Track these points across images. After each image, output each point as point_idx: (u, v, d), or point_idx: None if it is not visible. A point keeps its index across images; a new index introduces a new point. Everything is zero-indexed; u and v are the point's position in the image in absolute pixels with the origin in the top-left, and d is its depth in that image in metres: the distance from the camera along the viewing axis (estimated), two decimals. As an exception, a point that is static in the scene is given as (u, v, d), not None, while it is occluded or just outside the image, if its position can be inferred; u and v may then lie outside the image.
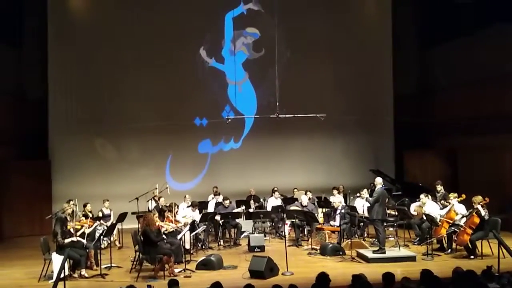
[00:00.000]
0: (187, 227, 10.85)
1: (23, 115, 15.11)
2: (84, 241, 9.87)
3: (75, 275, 9.58)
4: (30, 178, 14.52)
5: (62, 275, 8.01)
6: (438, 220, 10.94)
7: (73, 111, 15.63)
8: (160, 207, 12.05)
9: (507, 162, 13.94)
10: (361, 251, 10.73)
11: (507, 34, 13.66)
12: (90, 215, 11.58)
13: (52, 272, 9.29)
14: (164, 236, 10.19)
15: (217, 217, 12.50)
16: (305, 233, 12.87)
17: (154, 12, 16.01)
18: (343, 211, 12.07)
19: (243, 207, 13.43)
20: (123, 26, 15.78)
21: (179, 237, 10.49)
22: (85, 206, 11.72)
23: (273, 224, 13.67)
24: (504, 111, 13.54)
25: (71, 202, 10.80)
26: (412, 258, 10.38)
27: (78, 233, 9.94)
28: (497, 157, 14.11)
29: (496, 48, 14.08)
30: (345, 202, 13.38)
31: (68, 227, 9.83)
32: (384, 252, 10.43)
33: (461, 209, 10.98)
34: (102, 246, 11.34)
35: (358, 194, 12.65)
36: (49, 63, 15.47)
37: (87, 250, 9.89)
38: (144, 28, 15.85)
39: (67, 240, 9.56)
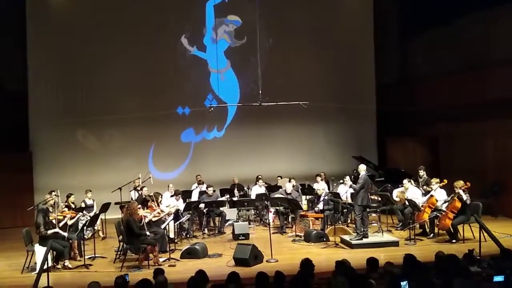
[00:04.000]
0: (171, 216, 10.83)
1: (2, 107, 14.88)
2: (65, 234, 9.78)
3: (59, 266, 9.54)
4: (11, 170, 14.34)
5: (45, 267, 7.96)
6: (420, 205, 11.06)
7: (54, 102, 15.42)
8: (143, 197, 12.00)
9: (488, 148, 14.12)
10: (345, 237, 10.81)
11: (488, 22, 13.77)
12: (73, 206, 11.50)
13: (35, 263, 9.23)
14: (146, 227, 10.06)
15: (201, 206, 12.50)
16: (289, 220, 12.92)
17: (134, 1, 15.83)
18: (326, 197, 12.14)
19: (227, 196, 13.43)
20: (103, 16, 15.57)
21: (163, 226, 10.48)
22: (68, 197, 11.62)
23: (257, 212, 13.70)
24: (485, 98, 13.67)
25: (53, 193, 10.72)
26: (395, 243, 10.50)
27: (61, 224, 9.87)
28: (477, 143, 14.29)
29: (477, 36, 14.19)
30: (329, 189, 13.47)
31: (51, 217, 9.75)
32: (361, 238, 10.49)
33: (441, 195, 11.10)
34: (86, 236, 11.31)
35: (341, 181, 12.72)
36: (28, 54, 15.22)
37: (70, 241, 9.82)
38: (124, 17, 15.68)
39: (50, 231, 9.49)
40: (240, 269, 8.32)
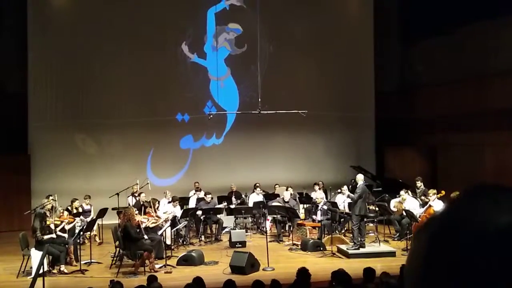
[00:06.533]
0: (168, 223, 10.82)
1: (2, 109, 14.89)
2: (66, 235, 9.77)
3: (55, 271, 9.50)
4: (9, 173, 14.29)
5: (41, 271, 7.94)
6: (418, 216, 11.05)
7: (53, 105, 15.44)
8: (141, 203, 11.99)
9: (487, 159, 14.11)
10: (342, 246, 10.80)
11: (488, 32, 13.82)
12: (75, 211, 11.49)
13: (31, 268, 9.19)
14: (144, 232, 10.10)
15: (199, 213, 12.48)
16: (287, 228, 12.90)
17: (135, 6, 15.87)
18: (324, 207, 12.13)
19: (225, 203, 13.43)
20: (104, 21, 15.60)
21: (160, 232, 10.46)
22: (73, 202, 11.61)
23: (255, 220, 13.68)
24: (484, 108, 13.70)
25: (51, 197, 10.71)
26: (392, 254, 10.47)
27: (58, 229, 9.85)
28: (477, 154, 14.28)
29: (477, 46, 14.23)
30: (326, 198, 13.47)
31: (48, 222, 9.74)
32: (358, 248, 10.48)
33: (439, 206, 11.09)
34: (86, 241, 11.30)
35: (339, 190, 12.73)
36: (29, 56, 15.23)
37: (67, 246, 9.80)
38: (125, 23, 15.69)
39: (46, 236, 9.47)
40: (237, 277, 8.29)
